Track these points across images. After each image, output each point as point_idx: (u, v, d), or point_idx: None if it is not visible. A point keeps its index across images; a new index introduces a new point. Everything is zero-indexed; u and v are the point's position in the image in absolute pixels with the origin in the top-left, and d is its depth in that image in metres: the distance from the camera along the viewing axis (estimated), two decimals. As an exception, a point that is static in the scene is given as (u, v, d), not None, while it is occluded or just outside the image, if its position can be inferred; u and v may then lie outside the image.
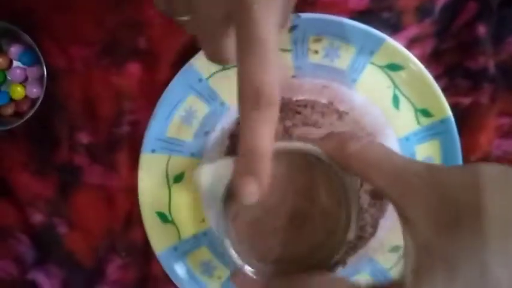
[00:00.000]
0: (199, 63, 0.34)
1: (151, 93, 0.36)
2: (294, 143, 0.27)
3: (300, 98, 0.35)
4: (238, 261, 0.28)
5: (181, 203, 0.36)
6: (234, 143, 0.36)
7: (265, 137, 0.22)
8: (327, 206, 0.28)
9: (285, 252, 0.28)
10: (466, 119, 0.37)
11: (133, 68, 0.37)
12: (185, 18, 0.24)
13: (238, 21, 0.21)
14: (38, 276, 0.38)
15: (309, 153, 0.27)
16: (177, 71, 0.35)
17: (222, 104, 0.36)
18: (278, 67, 0.21)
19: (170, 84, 0.35)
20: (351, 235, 0.27)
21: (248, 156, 0.22)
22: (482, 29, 0.36)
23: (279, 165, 0.27)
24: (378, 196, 0.35)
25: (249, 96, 0.21)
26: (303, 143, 0.27)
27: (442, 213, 0.21)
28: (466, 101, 0.37)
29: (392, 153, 0.24)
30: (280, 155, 0.26)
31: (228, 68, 0.35)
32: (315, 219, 0.28)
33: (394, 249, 0.37)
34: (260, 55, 0.21)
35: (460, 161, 0.35)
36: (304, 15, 0.33)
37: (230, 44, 0.24)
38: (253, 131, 0.22)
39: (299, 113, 0.36)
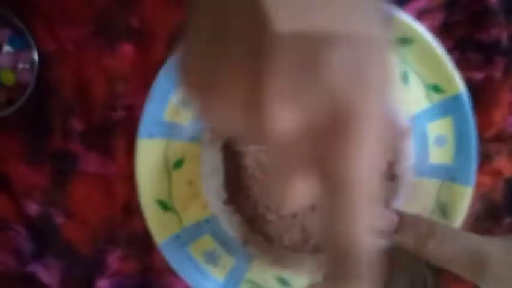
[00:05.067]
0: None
1: (147, 74, 0.35)
2: None
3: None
4: None
5: (182, 190, 0.35)
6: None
7: None
8: None
9: None
10: (478, 94, 0.36)
11: (127, 49, 0.36)
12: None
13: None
14: (37, 269, 0.38)
15: None
16: (173, 51, 0.33)
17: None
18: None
19: (166, 65, 0.33)
20: None
21: None
22: (494, -2, 0.35)
23: None
24: (389, 176, 0.34)
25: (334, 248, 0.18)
26: None
27: None
28: (478, 75, 0.36)
29: (468, 243, 0.28)
30: None
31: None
32: None
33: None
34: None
35: (474, 140, 0.34)
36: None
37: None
38: None
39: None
